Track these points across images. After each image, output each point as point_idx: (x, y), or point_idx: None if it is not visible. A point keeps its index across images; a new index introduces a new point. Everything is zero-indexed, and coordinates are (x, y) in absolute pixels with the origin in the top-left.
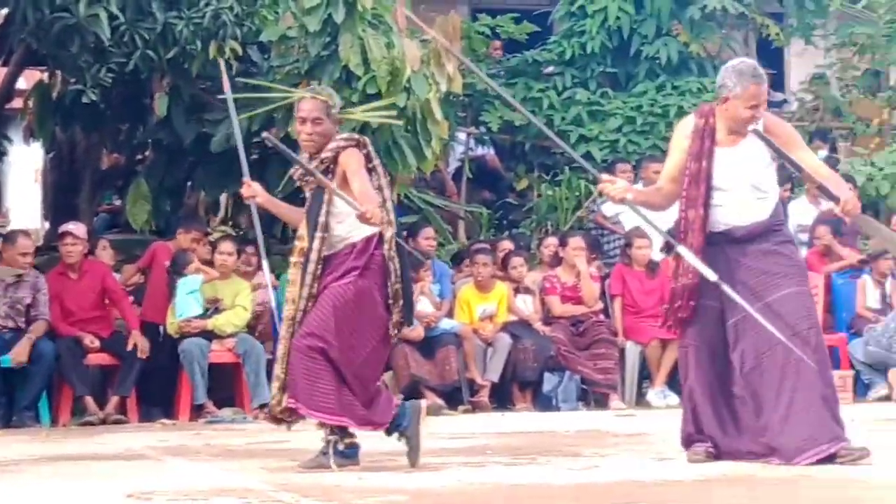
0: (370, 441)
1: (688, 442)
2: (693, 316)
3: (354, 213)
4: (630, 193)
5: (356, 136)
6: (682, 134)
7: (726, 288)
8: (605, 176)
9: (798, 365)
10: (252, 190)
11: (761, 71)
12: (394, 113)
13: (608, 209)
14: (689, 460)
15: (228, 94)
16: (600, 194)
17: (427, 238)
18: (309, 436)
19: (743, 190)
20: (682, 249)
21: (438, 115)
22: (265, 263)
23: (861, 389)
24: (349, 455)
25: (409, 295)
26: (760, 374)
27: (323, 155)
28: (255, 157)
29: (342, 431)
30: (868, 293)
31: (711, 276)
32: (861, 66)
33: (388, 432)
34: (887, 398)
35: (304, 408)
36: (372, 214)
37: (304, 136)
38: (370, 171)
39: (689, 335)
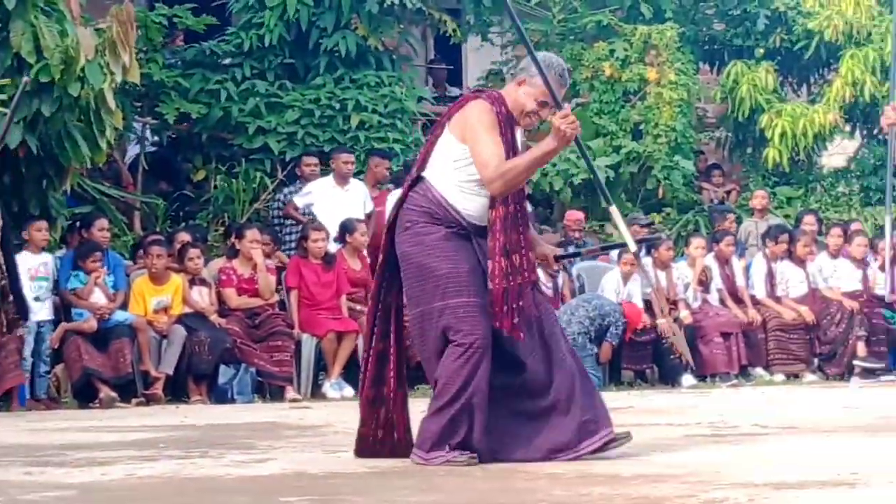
0: (40, 436)
1: (460, 445)
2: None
3: None
4: None
5: None
6: (493, 118)
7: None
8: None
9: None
10: None
11: (568, 78)
12: None
13: (300, 201)
14: (448, 462)
15: None
16: None
17: (101, 229)
18: None
19: None
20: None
21: (113, 104)
22: None
23: None
24: None
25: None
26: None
27: None
28: None
29: None
30: None
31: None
32: None
33: None
34: None
35: None
36: None
37: None
38: None
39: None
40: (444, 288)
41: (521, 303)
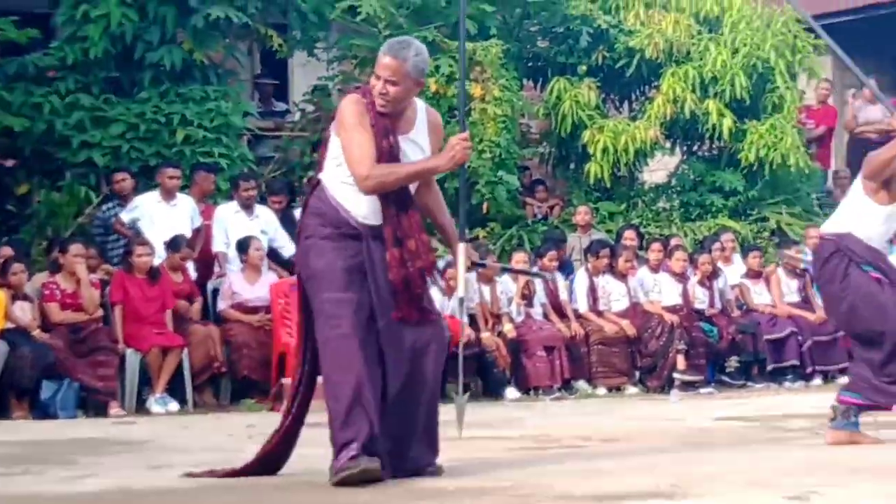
0: None
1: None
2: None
3: None
4: None
5: None
6: (359, 110)
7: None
8: None
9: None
10: None
11: (400, 47)
12: None
13: (126, 216)
14: (341, 472)
15: None
16: None
17: None
18: None
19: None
20: None
21: None
22: None
23: None
24: None
25: None
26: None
27: None
28: None
29: None
30: None
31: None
32: (362, 79)
33: None
34: None
35: None
36: None
37: None
38: None
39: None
40: (317, 285)
41: (425, 287)
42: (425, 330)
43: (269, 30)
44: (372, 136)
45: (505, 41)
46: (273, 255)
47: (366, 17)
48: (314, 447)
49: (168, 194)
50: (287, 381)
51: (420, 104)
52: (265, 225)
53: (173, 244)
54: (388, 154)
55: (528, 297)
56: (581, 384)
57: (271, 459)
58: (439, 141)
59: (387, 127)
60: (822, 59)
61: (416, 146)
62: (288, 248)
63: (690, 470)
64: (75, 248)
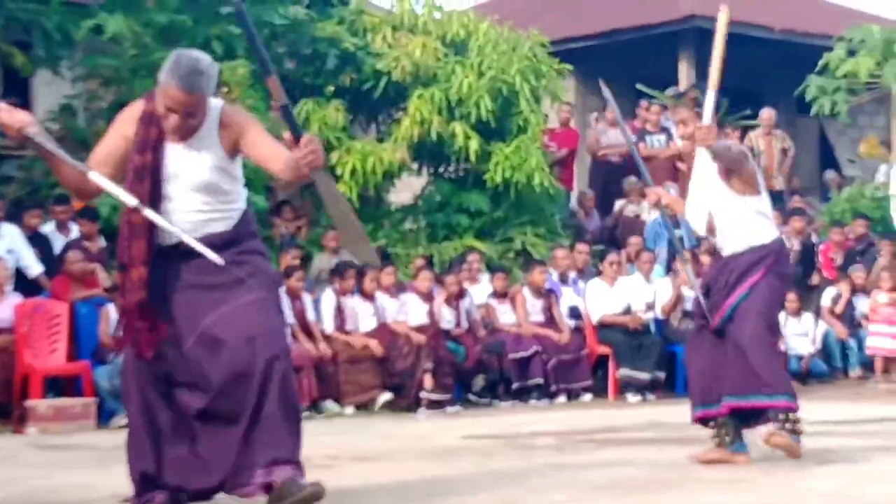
0: None
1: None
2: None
3: None
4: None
5: None
6: (127, 117)
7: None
8: None
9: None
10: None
11: (195, 78)
12: None
13: None
14: None
15: None
16: None
17: None
18: None
19: (192, 194)
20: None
21: None
22: None
23: (105, 417)
24: None
25: None
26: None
27: None
28: None
29: None
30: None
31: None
32: (107, 98)
33: None
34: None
35: None
36: None
37: None
38: None
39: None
40: None
41: (145, 323)
42: None
43: (12, 48)
44: (120, 145)
45: (252, 62)
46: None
47: (112, 36)
48: None
49: None
50: (32, 403)
51: (215, 105)
52: (11, 244)
53: None
54: (140, 169)
55: None
56: (329, 403)
57: None
58: (236, 134)
59: (147, 142)
60: (565, 83)
61: (195, 153)
62: (34, 268)
63: (439, 489)
64: None
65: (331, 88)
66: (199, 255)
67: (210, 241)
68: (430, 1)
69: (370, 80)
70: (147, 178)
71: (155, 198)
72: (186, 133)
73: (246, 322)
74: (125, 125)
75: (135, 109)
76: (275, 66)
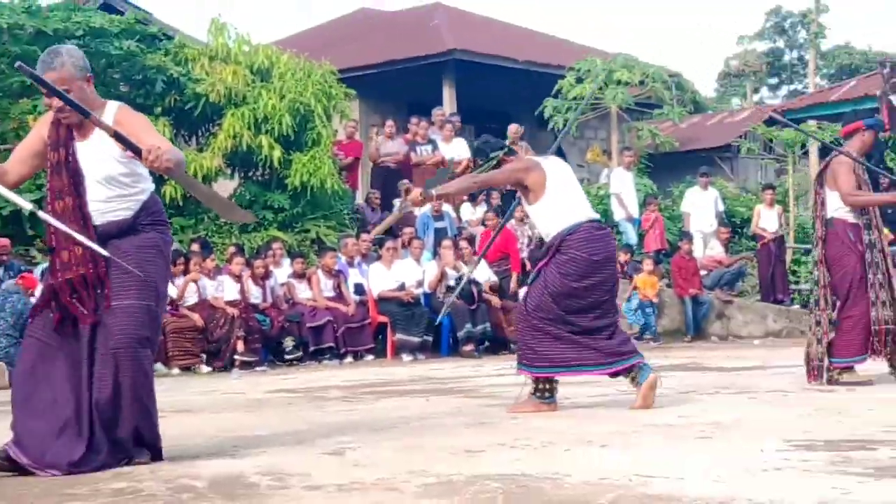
0: None
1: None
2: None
3: None
4: None
5: None
6: (45, 119)
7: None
8: None
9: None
10: None
11: (48, 57)
12: None
13: None
14: None
15: None
16: None
17: None
18: None
19: (96, 185)
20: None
21: None
22: None
23: None
24: None
25: None
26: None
27: None
28: None
29: None
30: None
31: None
32: None
33: None
34: None
35: None
36: None
37: None
38: None
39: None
40: None
41: (72, 298)
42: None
43: None
44: (37, 144)
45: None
46: None
47: None
48: None
49: None
50: None
51: (111, 105)
52: None
53: None
54: (56, 165)
55: None
56: (158, 366)
57: None
58: (126, 131)
59: (58, 140)
60: (351, 104)
61: (94, 148)
62: None
63: (248, 434)
64: None
65: (159, 108)
66: (116, 239)
67: (108, 228)
68: (240, 36)
69: (191, 102)
70: (63, 172)
71: (76, 190)
72: (85, 130)
73: (118, 327)
74: (42, 126)
75: (51, 113)
76: (108, 91)
